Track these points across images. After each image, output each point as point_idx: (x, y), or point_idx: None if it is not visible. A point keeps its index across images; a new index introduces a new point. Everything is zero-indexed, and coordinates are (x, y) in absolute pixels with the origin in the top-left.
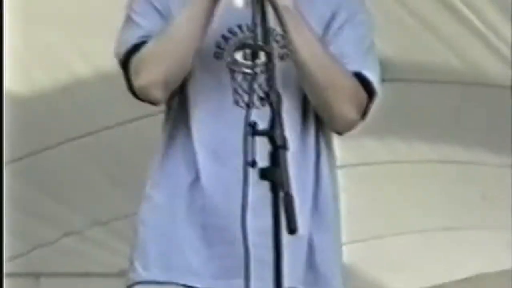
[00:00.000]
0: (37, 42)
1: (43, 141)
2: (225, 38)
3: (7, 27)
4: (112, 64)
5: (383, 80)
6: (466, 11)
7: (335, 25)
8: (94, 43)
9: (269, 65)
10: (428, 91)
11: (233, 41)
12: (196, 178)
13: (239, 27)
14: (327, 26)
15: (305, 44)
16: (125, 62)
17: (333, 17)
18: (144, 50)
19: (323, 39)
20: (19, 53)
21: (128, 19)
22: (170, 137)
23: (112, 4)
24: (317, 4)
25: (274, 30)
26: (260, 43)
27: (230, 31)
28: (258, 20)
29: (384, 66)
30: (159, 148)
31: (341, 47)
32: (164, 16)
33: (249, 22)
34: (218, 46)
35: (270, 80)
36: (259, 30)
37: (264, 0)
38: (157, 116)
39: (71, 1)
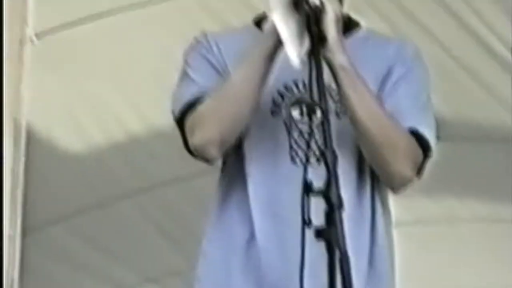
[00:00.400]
0: (92, 99)
1: (96, 196)
2: (281, 94)
3: (63, 82)
4: (166, 121)
5: (437, 137)
6: None
7: (391, 80)
8: (148, 99)
9: (324, 122)
10: (482, 149)
11: (289, 97)
12: (252, 236)
13: (295, 83)
14: (383, 82)
15: (361, 101)
16: (180, 119)
17: (388, 72)
18: (200, 108)
19: (378, 95)
20: (74, 109)
21: (184, 74)
22: (226, 194)
23: (167, 60)
24: (373, 59)
25: (329, 86)
26: (316, 100)
27: (286, 87)
28: (314, 77)
29: (439, 124)
30: (214, 205)
31: (396, 103)
32: (220, 71)
33: (305, 79)
34: (274, 102)
35: (325, 138)
36: (315, 87)
37: (320, 57)
38: (212, 172)
39: (126, 58)
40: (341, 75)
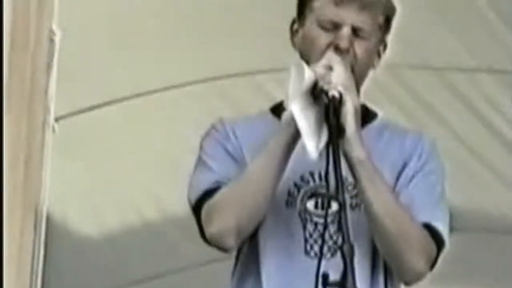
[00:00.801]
0: (109, 184)
1: (110, 282)
2: (297, 186)
3: (80, 167)
4: (182, 207)
5: (450, 229)
6: None
7: (407, 174)
8: (165, 185)
9: (342, 216)
10: (495, 241)
11: (305, 189)
12: None
13: (312, 175)
14: (399, 175)
15: (377, 195)
16: (197, 207)
17: (404, 165)
18: (217, 197)
19: (393, 187)
20: (90, 193)
21: (201, 162)
22: (240, 283)
23: (184, 146)
24: (389, 152)
25: (346, 179)
26: (332, 192)
27: (303, 178)
28: (331, 169)
29: (452, 215)
30: None
31: (411, 196)
32: (237, 159)
33: (322, 170)
34: (289, 193)
35: (342, 231)
36: (331, 179)
37: (338, 150)
38: (226, 259)
39: (143, 143)
40: (359, 168)
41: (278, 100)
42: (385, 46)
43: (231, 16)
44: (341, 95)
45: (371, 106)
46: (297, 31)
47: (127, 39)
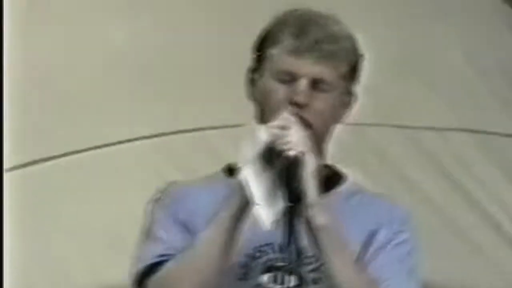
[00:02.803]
0: (45, 260)
1: None
2: (252, 258)
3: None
4: (122, 281)
5: None
6: None
7: (376, 243)
8: (103, 256)
9: None
10: None
11: (260, 262)
12: None
13: (268, 246)
14: (367, 244)
15: (342, 268)
16: (140, 283)
17: (374, 234)
18: (163, 272)
19: (360, 257)
20: (23, 265)
21: (148, 232)
22: None
23: (129, 216)
24: (358, 219)
25: (307, 250)
26: (291, 265)
27: (259, 250)
28: (290, 240)
29: None
30: None
31: (380, 268)
32: (189, 228)
33: (280, 241)
34: (244, 266)
35: None
36: (291, 250)
37: (297, 218)
38: None
39: (80, 208)
40: (322, 237)
41: (230, 159)
42: (354, 97)
43: (180, 71)
44: (299, 156)
45: (341, 168)
46: (253, 81)
47: (68, 95)
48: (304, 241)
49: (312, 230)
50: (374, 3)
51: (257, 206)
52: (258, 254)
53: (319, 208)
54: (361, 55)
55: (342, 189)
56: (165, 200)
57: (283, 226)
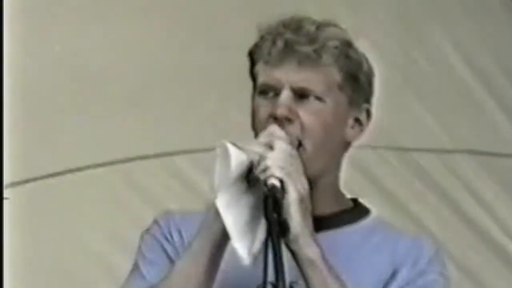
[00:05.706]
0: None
1: None
2: None
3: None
4: None
5: None
6: None
7: (396, 283)
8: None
9: None
10: None
11: None
12: None
13: (252, 281)
14: (389, 283)
15: None
16: None
17: (394, 274)
18: None
19: None
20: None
21: (135, 267)
22: None
23: (118, 250)
24: (378, 256)
25: (295, 284)
26: None
27: (239, 286)
28: (277, 277)
29: None
30: None
31: None
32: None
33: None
34: None
35: None
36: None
37: (279, 251)
38: None
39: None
40: (309, 271)
41: (198, 184)
42: (363, 114)
43: (145, 94)
44: (277, 186)
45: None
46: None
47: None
48: (292, 275)
49: (298, 263)
50: (369, 10)
51: (233, 238)
52: None
53: (305, 239)
54: (359, 62)
55: (365, 223)
56: (157, 231)
57: (265, 260)
